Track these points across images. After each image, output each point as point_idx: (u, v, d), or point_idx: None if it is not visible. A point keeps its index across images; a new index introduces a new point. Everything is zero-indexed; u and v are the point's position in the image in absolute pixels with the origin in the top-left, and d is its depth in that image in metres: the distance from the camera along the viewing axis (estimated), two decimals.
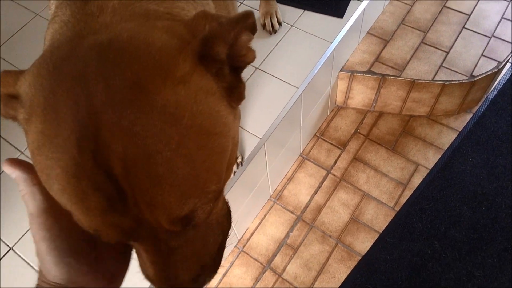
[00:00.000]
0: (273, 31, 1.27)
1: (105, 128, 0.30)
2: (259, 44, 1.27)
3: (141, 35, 0.33)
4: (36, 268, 0.92)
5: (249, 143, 1.11)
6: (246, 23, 0.35)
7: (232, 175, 1.06)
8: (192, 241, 0.39)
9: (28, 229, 0.98)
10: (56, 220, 0.36)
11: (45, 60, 0.34)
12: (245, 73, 1.12)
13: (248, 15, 0.35)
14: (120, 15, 0.37)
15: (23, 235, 1.01)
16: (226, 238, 0.46)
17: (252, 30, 0.36)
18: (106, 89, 0.30)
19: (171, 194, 0.31)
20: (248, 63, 0.38)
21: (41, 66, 0.33)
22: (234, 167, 1.06)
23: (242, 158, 1.07)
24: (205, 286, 0.44)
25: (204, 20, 0.34)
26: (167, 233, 0.35)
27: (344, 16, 1.29)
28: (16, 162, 0.36)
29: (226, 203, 0.47)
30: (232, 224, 0.48)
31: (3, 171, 0.48)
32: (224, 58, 0.35)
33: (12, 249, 1.00)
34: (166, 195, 0.31)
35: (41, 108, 0.32)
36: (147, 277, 0.41)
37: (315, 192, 1.43)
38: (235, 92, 0.38)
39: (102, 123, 0.30)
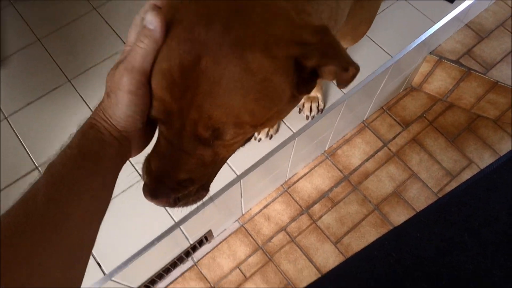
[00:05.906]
0: (311, 116, 1.15)
1: (205, 60, 0.40)
2: None
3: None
4: (98, 260, 0.97)
5: (332, 93, 1.18)
6: (341, 66, 0.43)
7: (307, 120, 1.15)
8: (197, 157, 0.47)
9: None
10: (144, 85, 0.43)
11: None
12: None
13: (348, 67, 0.42)
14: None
15: None
16: (211, 180, 0.53)
17: (345, 70, 0.43)
18: (223, 32, 0.40)
19: (218, 109, 0.42)
20: (326, 80, 0.47)
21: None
22: (314, 112, 1.14)
23: (324, 106, 1.15)
24: (181, 208, 0.51)
25: (317, 37, 0.42)
26: (189, 137, 0.45)
27: (454, 2, 1.31)
28: (161, 17, 0.42)
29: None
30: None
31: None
32: (309, 70, 0.44)
33: None
34: (215, 108, 0.42)
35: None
36: (146, 168, 0.49)
37: (367, 159, 1.52)
38: (305, 86, 0.46)
39: (203, 56, 0.40)
